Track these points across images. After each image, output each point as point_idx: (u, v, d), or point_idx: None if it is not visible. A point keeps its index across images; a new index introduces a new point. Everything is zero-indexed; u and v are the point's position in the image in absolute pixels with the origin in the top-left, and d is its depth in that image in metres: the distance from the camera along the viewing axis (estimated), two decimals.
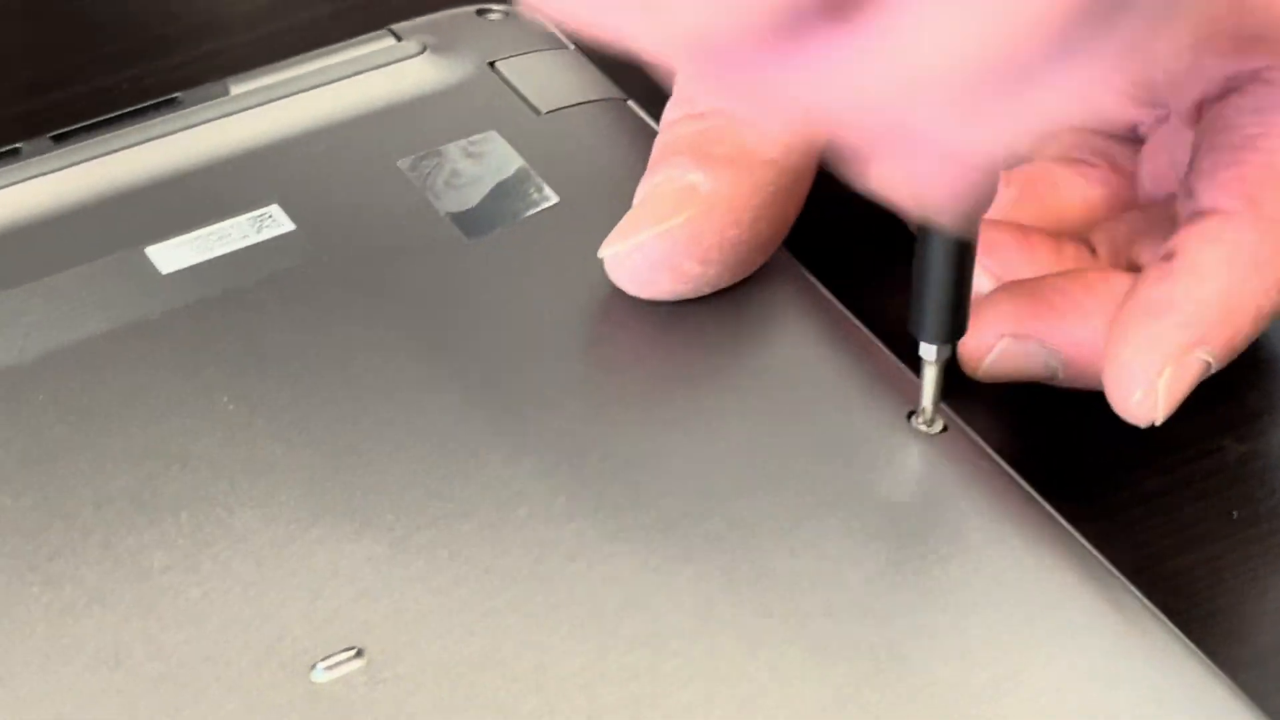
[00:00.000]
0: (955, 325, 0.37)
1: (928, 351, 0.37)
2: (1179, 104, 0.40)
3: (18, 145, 0.40)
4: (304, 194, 0.39)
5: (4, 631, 0.33)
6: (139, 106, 0.41)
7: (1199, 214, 0.38)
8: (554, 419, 0.36)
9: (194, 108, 0.40)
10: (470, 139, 0.40)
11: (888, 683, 0.32)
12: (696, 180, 0.39)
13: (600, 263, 0.38)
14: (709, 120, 0.39)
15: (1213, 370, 0.38)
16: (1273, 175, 0.38)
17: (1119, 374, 0.38)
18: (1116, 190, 0.41)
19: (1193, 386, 0.38)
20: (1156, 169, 0.41)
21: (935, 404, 0.37)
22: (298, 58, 0.42)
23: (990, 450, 0.37)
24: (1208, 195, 0.39)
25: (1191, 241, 0.38)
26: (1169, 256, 0.38)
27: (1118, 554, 0.35)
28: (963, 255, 0.36)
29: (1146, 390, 0.38)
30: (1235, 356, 0.38)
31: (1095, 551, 0.35)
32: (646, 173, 0.39)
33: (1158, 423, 0.38)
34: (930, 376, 0.38)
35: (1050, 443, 0.39)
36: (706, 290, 0.39)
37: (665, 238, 0.38)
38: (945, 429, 0.37)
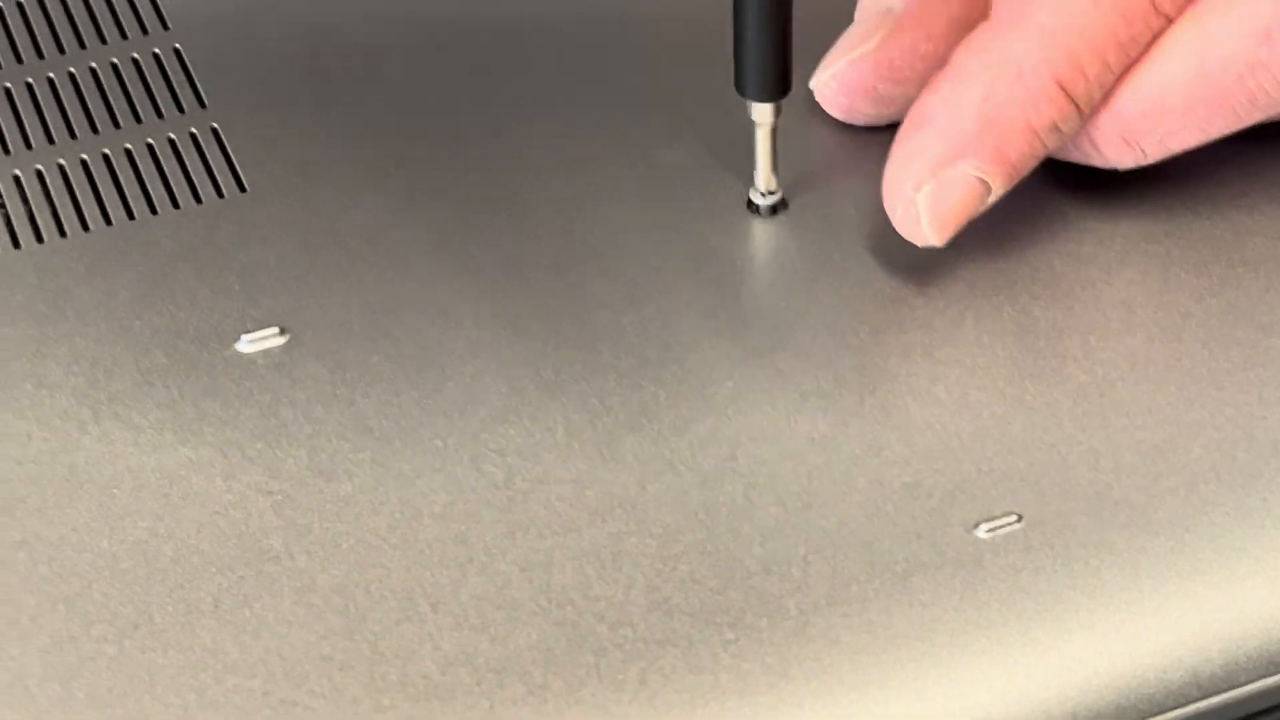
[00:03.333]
0: (781, 81, 0.35)
1: (758, 112, 0.36)
2: None
3: None
4: None
5: None
6: None
7: (981, 22, 0.36)
8: None
9: None
10: None
11: None
12: (891, 2, 0.37)
13: None
14: None
15: (994, 192, 0.35)
16: None
17: (885, 190, 0.36)
18: None
19: (970, 205, 0.35)
20: None
21: (771, 170, 0.36)
22: None
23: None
24: (992, 4, 0.36)
25: (961, 50, 0.36)
26: (945, 66, 0.36)
27: None
28: (780, 4, 0.34)
29: (905, 207, 0.35)
30: (1017, 177, 0.36)
31: None
32: None
33: (935, 243, 0.35)
34: (763, 139, 0.36)
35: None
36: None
37: (858, 63, 0.37)
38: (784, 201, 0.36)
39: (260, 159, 0.39)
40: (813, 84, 0.38)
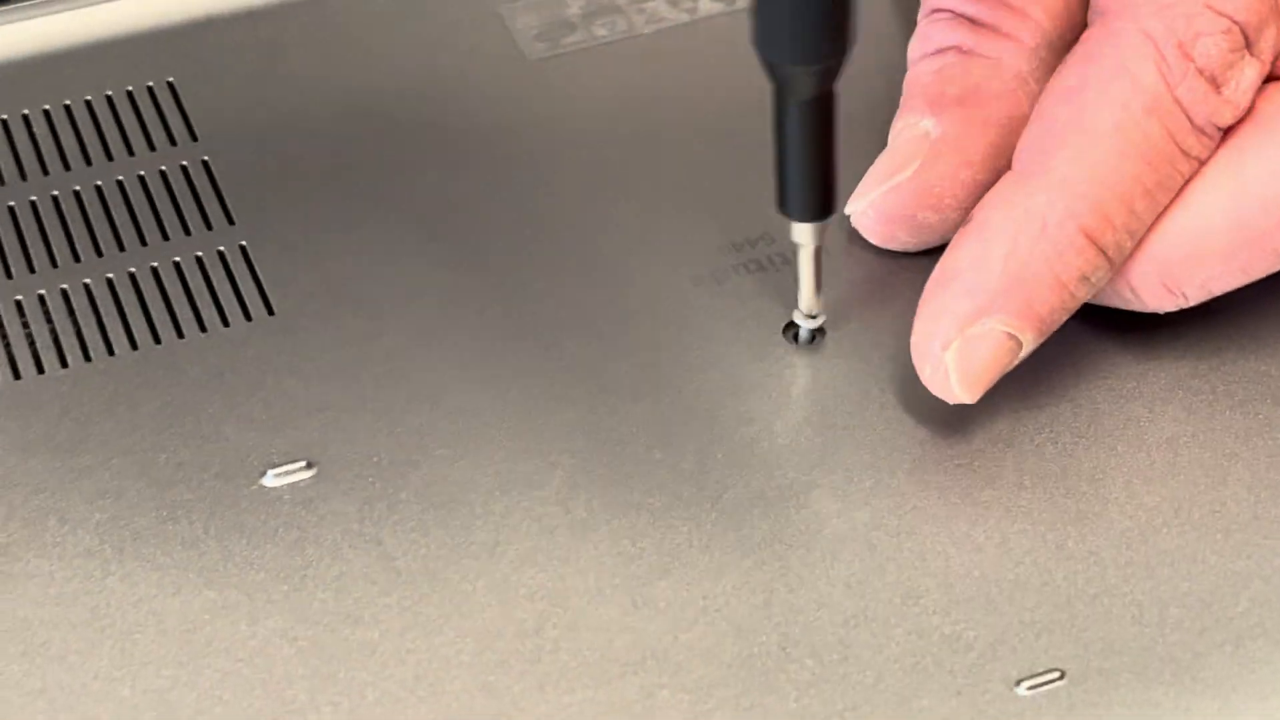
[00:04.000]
0: (825, 201, 0.35)
1: (800, 233, 0.35)
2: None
3: None
4: None
5: None
6: None
7: (1006, 174, 0.36)
8: None
9: None
10: None
11: None
12: (928, 127, 0.37)
13: None
14: (946, 58, 0.37)
15: (1025, 346, 0.35)
16: (1073, 134, 0.34)
17: (914, 348, 0.35)
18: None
19: (1000, 361, 0.34)
20: None
21: (815, 292, 0.35)
22: None
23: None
24: (1017, 150, 0.36)
25: (984, 203, 0.35)
26: (969, 221, 0.35)
27: None
28: (824, 122, 0.34)
29: (934, 366, 0.35)
30: (1049, 330, 0.35)
31: None
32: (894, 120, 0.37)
33: (966, 400, 0.35)
34: (805, 261, 0.35)
35: None
36: (951, 233, 0.36)
37: (896, 192, 0.37)
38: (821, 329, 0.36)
39: (288, 279, 0.38)
40: (849, 210, 0.38)
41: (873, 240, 0.38)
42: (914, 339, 0.35)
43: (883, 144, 0.38)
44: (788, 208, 0.35)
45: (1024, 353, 0.35)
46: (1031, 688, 0.32)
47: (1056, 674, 0.32)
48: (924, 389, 0.36)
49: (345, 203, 0.39)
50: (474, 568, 0.34)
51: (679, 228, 0.39)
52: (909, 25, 0.39)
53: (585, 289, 0.38)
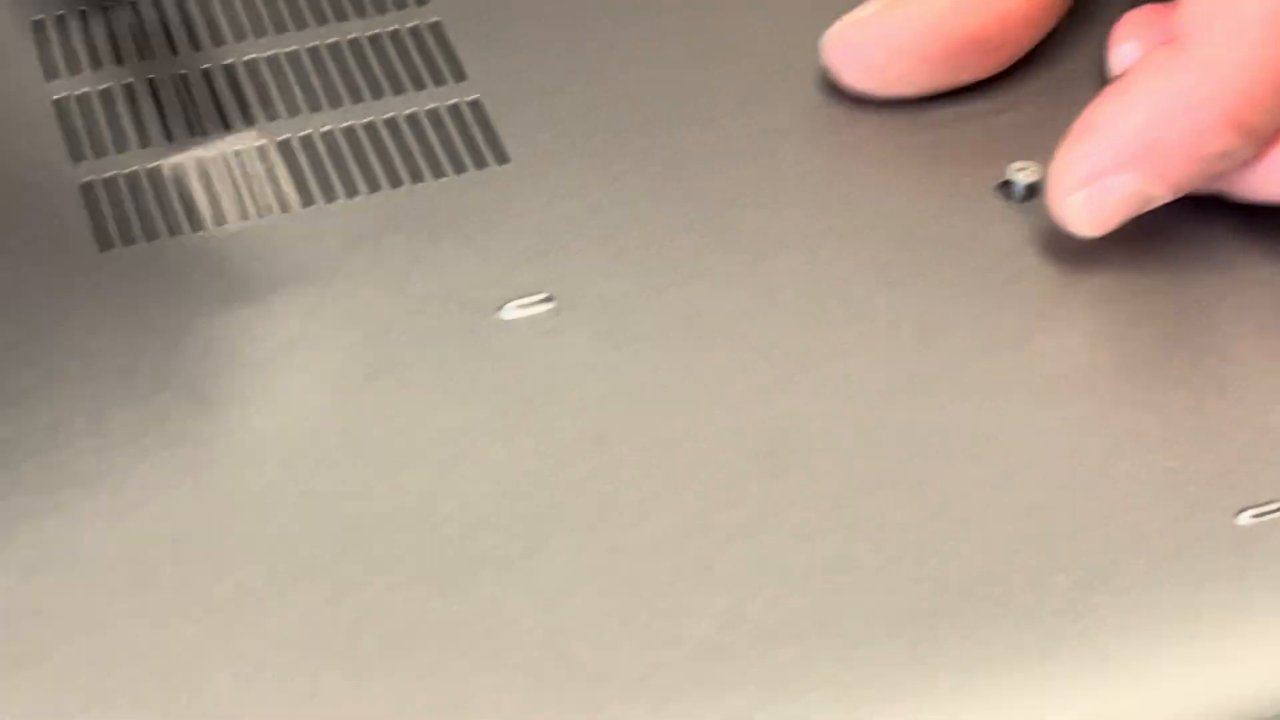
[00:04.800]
0: None
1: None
2: None
3: None
4: None
5: None
6: None
7: (1166, 39, 0.36)
8: None
9: None
10: None
11: None
12: None
13: None
14: None
15: (1156, 201, 0.36)
16: (1224, 16, 0.35)
17: (1048, 190, 0.36)
18: None
19: (1130, 209, 0.36)
20: None
21: None
22: None
23: None
24: (1177, 21, 0.36)
25: (1139, 66, 0.37)
26: (1121, 77, 0.36)
27: None
28: None
29: (1064, 205, 0.36)
30: (1182, 192, 0.36)
31: None
32: None
33: (1089, 235, 0.36)
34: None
35: None
36: (915, 87, 0.38)
37: (856, 25, 0.38)
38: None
39: (521, 131, 0.39)
40: (822, 41, 0.39)
41: (834, 70, 0.39)
42: (1049, 179, 0.36)
43: None
44: None
45: (1155, 203, 0.36)
46: (1255, 517, 0.33)
47: (1277, 505, 0.33)
48: (1143, 243, 0.37)
49: (575, 61, 0.41)
50: (708, 395, 0.35)
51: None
52: None
53: (808, 137, 0.39)
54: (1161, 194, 0.36)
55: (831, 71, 0.39)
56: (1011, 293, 0.37)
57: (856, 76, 0.39)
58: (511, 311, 0.37)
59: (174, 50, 0.41)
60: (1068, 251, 0.37)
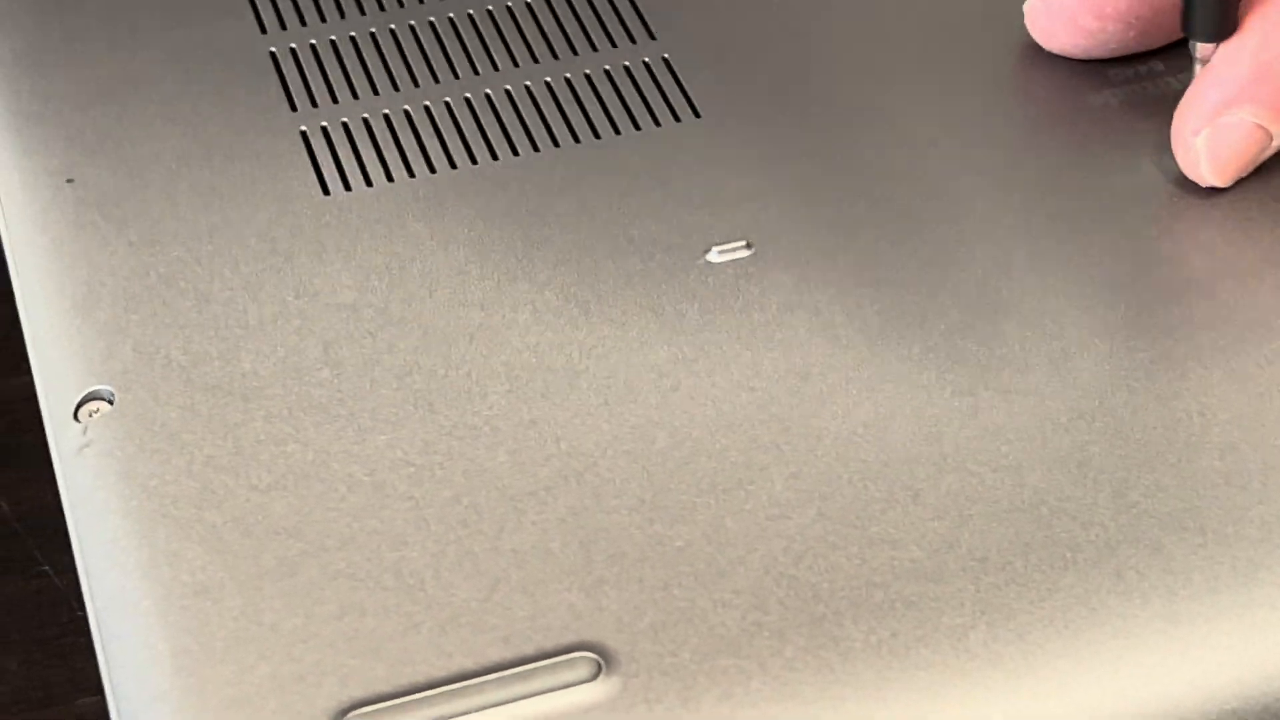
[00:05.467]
0: (1226, 20, 0.37)
1: (1197, 50, 0.38)
2: None
3: None
4: None
5: None
6: None
7: None
8: None
9: None
10: None
11: None
12: None
13: None
14: None
15: (1277, 137, 0.37)
16: None
17: (1172, 136, 0.38)
18: None
19: (1250, 150, 0.37)
20: None
21: None
22: None
23: None
24: None
25: (1249, 12, 0.38)
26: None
27: None
28: None
29: (1185, 151, 0.38)
30: None
31: None
32: None
33: (1217, 184, 0.37)
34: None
35: None
36: (1114, 49, 0.39)
37: None
38: None
39: (709, 88, 0.41)
40: (1025, 4, 0.40)
41: (1036, 37, 0.40)
42: (1172, 127, 0.38)
43: None
44: (1192, 27, 0.38)
45: (1276, 144, 0.37)
46: None
47: None
48: None
49: (758, 22, 0.42)
50: (908, 334, 0.36)
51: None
52: None
53: (1003, 101, 0.40)
54: (1278, 127, 0.37)
55: (1034, 33, 0.40)
56: (1196, 244, 0.38)
57: (1061, 40, 0.40)
58: (715, 255, 0.38)
59: (382, 6, 0.43)
60: (1247, 208, 0.38)
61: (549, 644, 0.32)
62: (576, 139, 0.40)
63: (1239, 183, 0.39)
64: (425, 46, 0.42)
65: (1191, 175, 0.38)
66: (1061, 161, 0.40)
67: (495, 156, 0.40)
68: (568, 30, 0.43)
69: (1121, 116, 0.41)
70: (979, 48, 0.42)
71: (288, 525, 0.34)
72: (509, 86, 0.42)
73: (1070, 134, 0.40)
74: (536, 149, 0.40)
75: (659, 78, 0.42)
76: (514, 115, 0.41)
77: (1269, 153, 0.38)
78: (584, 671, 0.32)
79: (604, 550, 0.33)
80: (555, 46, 0.42)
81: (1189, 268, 0.38)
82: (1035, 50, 0.41)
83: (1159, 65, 0.41)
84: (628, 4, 0.43)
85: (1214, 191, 0.39)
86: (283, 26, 0.43)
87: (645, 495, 0.34)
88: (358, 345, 0.36)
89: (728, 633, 0.32)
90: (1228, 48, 0.38)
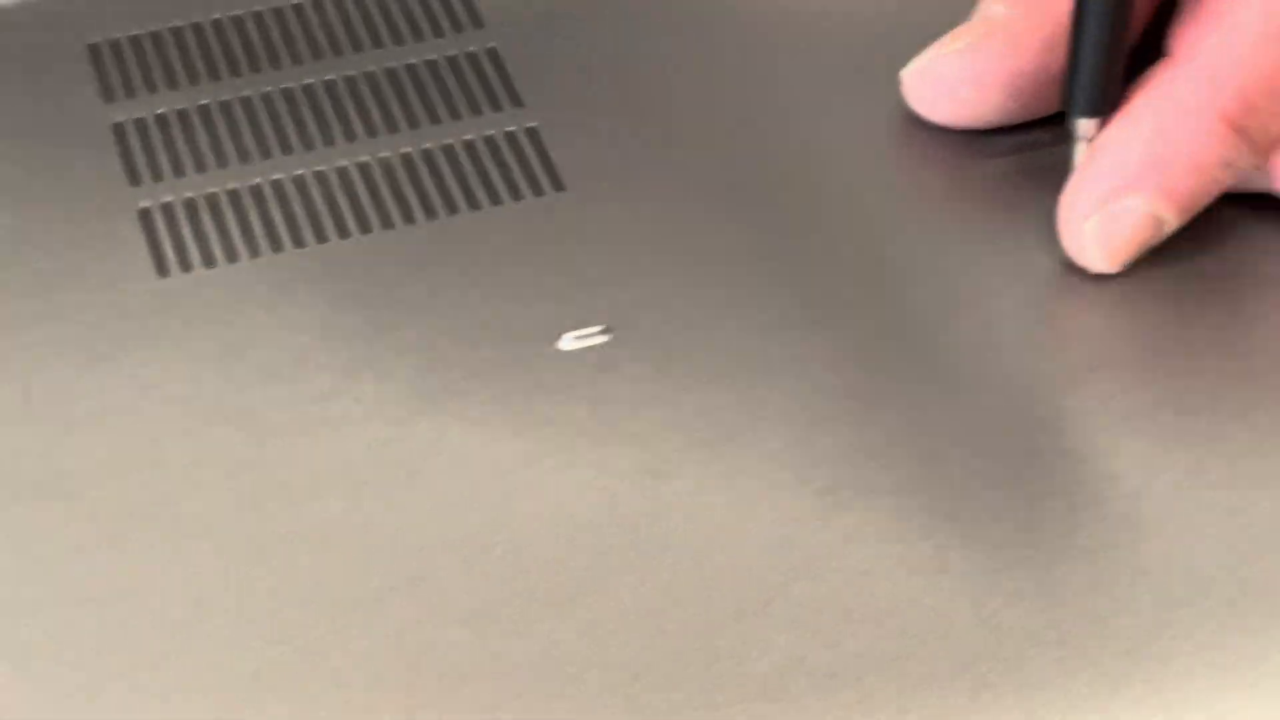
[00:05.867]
0: (1108, 97, 0.36)
1: (1079, 127, 0.36)
2: None
3: None
4: None
5: None
6: None
7: (1159, 61, 0.37)
8: None
9: None
10: None
11: None
12: (998, 11, 0.38)
13: None
14: None
15: (1169, 224, 0.36)
16: (1218, 23, 0.36)
17: (1059, 221, 0.37)
18: None
19: (1141, 237, 0.36)
20: None
21: None
22: None
23: None
24: (1168, 41, 0.37)
25: (1135, 90, 0.37)
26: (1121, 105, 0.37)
27: None
28: (1117, 21, 0.35)
29: (1074, 237, 0.36)
30: (1193, 211, 0.36)
31: None
32: None
33: (1107, 270, 0.36)
34: (1080, 155, 0.37)
35: None
36: (993, 120, 0.38)
37: (944, 61, 0.38)
38: None
39: (578, 159, 0.39)
40: (902, 73, 0.39)
41: (917, 108, 0.39)
42: (1059, 212, 0.36)
43: None
44: (1071, 103, 0.37)
45: (1168, 230, 0.36)
46: None
47: None
48: (1204, 289, 0.37)
49: (630, 90, 0.41)
50: (768, 430, 0.35)
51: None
52: None
53: (871, 174, 0.39)
54: (1171, 215, 0.36)
55: (913, 104, 0.39)
56: (1074, 333, 0.37)
57: (942, 111, 0.39)
58: (569, 343, 0.37)
59: (234, 73, 0.42)
60: (1131, 293, 0.37)
61: None
62: (433, 215, 0.39)
63: (1123, 279, 0.37)
64: (278, 116, 0.41)
65: (1079, 260, 0.36)
66: (938, 240, 0.38)
67: (345, 234, 0.38)
68: (431, 99, 0.41)
69: (1002, 190, 0.39)
70: (855, 118, 0.40)
71: (97, 642, 0.32)
72: (365, 158, 0.40)
73: (949, 210, 0.39)
74: (390, 225, 0.39)
75: (523, 148, 0.40)
76: (368, 190, 0.39)
77: (1159, 240, 0.36)
78: None
79: (433, 668, 0.31)
80: (416, 116, 0.41)
81: (1067, 356, 0.36)
82: (914, 121, 0.40)
83: (1044, 135, 0.40)
84: (494, 69, 0.42)
85: (1095, 275, 0.37)
86: (128, 95, 0.41)
87: (479, 607, 0.32)
88: (186, 442, 0.35)
89: None
90: (1118, 131, 0.36)
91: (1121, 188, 0.36)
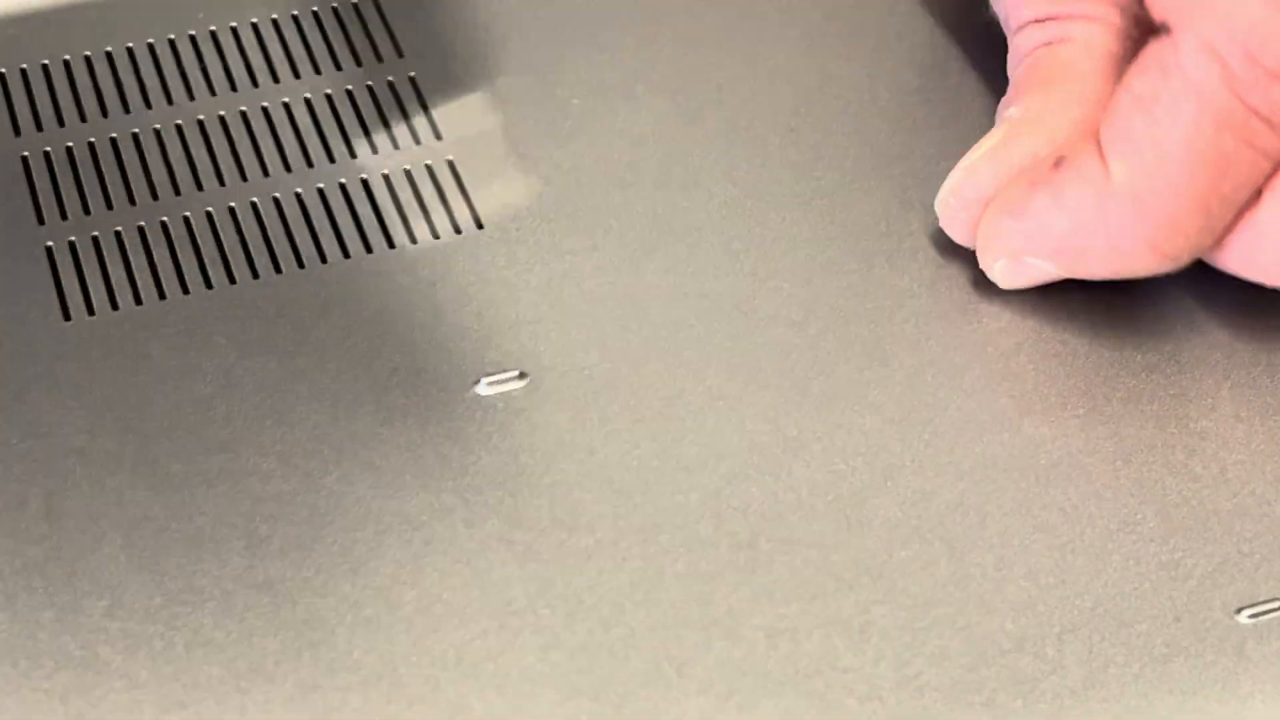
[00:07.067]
0: None
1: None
2: None
3: None
4: None
5: None
6: None
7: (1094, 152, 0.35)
8: None
9: None
10: None
11: None
12: (1013, 113, 0.36)
13: None
14: (1035, 54, 0.36)
15: (1058, 274, 0.35)
16: (1145, 145, 0.34)
17: (978, 242, 0.36)
18: None
19: (1043, 281, 0.35)
20: None
21: None
22: None
23: None
24: (1099, 137, 0.35)
25: (1067, 168, 0.35)
26: (1058, 163, 0.35)
27: None
28: None
29: (981, 258, 0.36)
30: (1089, 278, 0.35)
31: None
32: None
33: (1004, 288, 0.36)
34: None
35: None
36: None
37: (973, 171, 0.36)
38: None
39: (496, 195, 0.38)
40: (936, 205, 0.36)
41: (958, 238, 0.36)
42: (980, 233, 0.35)
43: None
44: None
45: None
46: (1253, 616, 0.32)
47: (1278, 603, 0.32)
48: (1137, 320, 0.36)
49: (553, 122, 0.40)
50: (687, 480, 0.34)
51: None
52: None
53: (800, 221, 0.38)
54: (1067, 273, 0.35)
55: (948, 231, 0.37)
56: (1003, 373, 0.36)
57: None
58: (485, 388, 0.35)
59: (145, 105, 0.40)
60: (1063, 332, 0.36)
61: None
62: (346, 254, 0.38)
63: (1054, 307, 0.36)
64: (191, 150, 0.39)
65: (983, 266, 0.36)
66: (868, 279, 0.37)
67: (255, 274, 0.37)
68: (345, 128, 0.40)
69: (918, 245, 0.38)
70: (773, 150, 0.39)
71: None
72: (277, 194, 0.39)
73: (886, 250, 0.38)
74: (301, 265, 0.37)
75: (441, 182, 0.39)
76: (280, 227, 0.38)
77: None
78: None
79: None
80: (333, 149, 0.40)
81: (995, 399, 0.35)
82: (840, 153, 0.39)
83: None
84: (413, 99, 0.41)
85: (1027, 316, 0.36)
86: (38, 128, 0.40)
87: (381, 672, 0.31)
88: (83, 495, 0.33)
89: None
90: (1042, 206, 0.34)
91: (1038, 253, 0.35)
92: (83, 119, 0.40)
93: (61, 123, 0.40)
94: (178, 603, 0.32)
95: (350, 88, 0.40)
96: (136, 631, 0.31)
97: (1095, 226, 0.35)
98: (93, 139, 0.39)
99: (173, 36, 0.41)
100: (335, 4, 0.42)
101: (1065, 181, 0.35)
